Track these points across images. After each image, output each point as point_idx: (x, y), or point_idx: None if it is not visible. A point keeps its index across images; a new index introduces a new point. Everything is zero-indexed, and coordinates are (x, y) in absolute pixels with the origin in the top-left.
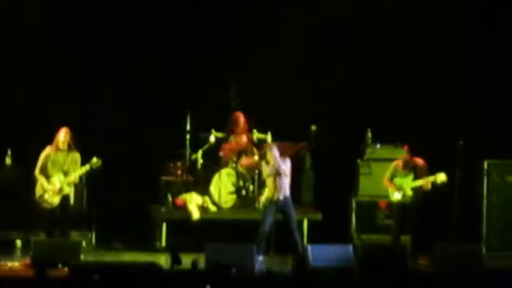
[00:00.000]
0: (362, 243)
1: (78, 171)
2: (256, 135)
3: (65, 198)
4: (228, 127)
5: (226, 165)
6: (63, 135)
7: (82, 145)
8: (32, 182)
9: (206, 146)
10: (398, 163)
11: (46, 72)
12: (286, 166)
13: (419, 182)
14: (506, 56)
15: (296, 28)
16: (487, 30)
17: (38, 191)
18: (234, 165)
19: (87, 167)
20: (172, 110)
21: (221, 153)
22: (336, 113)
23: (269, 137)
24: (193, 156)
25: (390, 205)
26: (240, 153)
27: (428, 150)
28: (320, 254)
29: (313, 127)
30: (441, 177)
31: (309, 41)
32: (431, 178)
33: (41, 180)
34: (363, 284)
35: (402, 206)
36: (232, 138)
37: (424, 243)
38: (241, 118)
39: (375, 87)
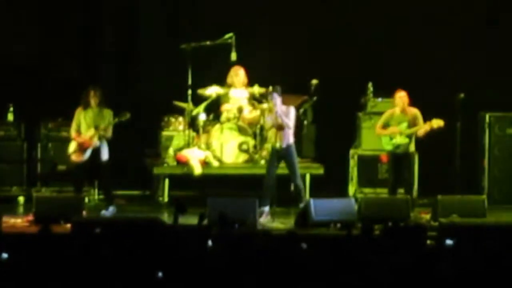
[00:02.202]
0: (364, 197)
1: (106, 125)
2: (257, 89)
3: (95, 151)
4: (227, 81)
5: (227, 119)
6: (91, 94)
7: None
8: (34, 138)
9: (208, 101)
10: (392, 111)
11: (48, 26)
12: (289, 115)
13: (416, 128)
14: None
15: None
16: None
17: (70, 148)
18: (235, 119)
19: (115, 120)
20: (173, 65)
21: (222, 108)
22: (338, 67)
23: (270, 89)
24: (195, 111)
25: (388, 156)
26: (241, 107)
27: (429, 103)
28: (322, 208)
29: (314, 81)
30: (438, 121)
31: None
32: (427, 124)
33: (73, 136)
34: (365, 237)
35: (395, 155)
36: (233, 94)
37: (426, 196)
38: (240, 71)
39: (376, 40)
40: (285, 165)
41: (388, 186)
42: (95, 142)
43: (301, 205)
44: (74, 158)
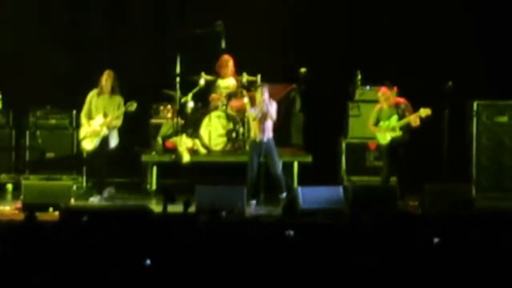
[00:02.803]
0: (352, 185)
1: (114, 113)
2: (245, 77)
3: (103, 140)
4: (216, 70)
5: (215, 107)
6: (105, 78)
7: (71, 86)
8: (23, 126)
9: (196, 89)
10: (381, 106)
11: (35, 13)
12: (272, 109)
13: (407, 119)
14: None
15: None
16: None
17: (80, 133)
18: (224, 107)
19: (122, 109)
20: (162, 53)
21: (211, 96)
22: (326, 55)
23: (258, 80)
24: (183, 99)
25: (380, 146)
26: (230, 95)
27: (416, 91)
28: (310, 196)
29: (303, 69)
30: (426, 110)
31: None
32: (417, 114)
33: (83, 122)
34: (353, 225)
35: (390, 147)
36: (221, 83)
37: (414, 184)
38: (230, 60)
39: (364, 29)
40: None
41: (382, 176)
42: (104, 130)
43: (282, 195)
44: (84, 145)
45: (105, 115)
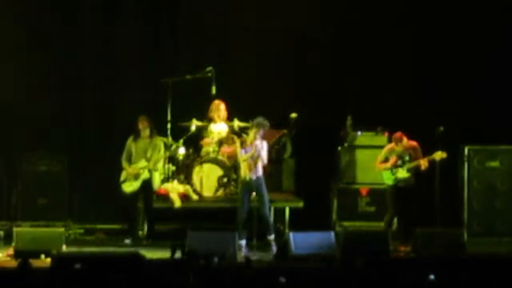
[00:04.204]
0: (343, 230)
1: (156, 157)
2: (237, 123)
3: (145, 183)
4: (208, 115)
5: (207, 153)
6: (141, 123)
7: (62, 131)
8: (14, 172)
9: (187, 135)
10: (392, 146)
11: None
12: (263, 151)
13: (417, 162)
14: (482, 40)
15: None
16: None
17: (122, 176)
18: (215, 153)
19: (162, 152)
20: (153, 98)
21: (202, 142)
22: (316, 100)
23: (250, 125)
24: (174, 145)
25: (372, 192)
26: (221, 141)
27: (408, 136)
28: (302, 241)
29: (293, 115)
30: (440, 154)
31: (288, 28)
32: (430, 157)
33: (124, 166)
34: (345, 270)
35: (396, 189)
36: (213, 128)
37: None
38: (221, 106)
39: (355, 73)
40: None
41: (386, 217)
42: (146, 174)
43: (270, 237)
44: (125, 188)
45: (147, 159)
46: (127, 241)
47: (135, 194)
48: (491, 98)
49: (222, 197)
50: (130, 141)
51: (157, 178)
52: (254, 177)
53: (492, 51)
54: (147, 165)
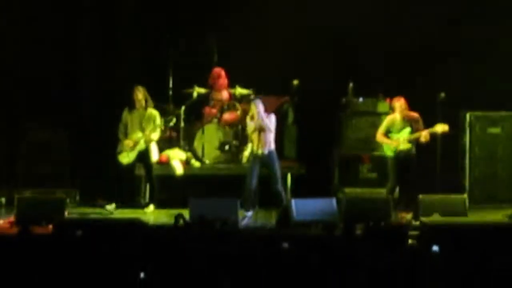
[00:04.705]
0: (345, 197)
1: (150, 127)
2: (238, 90)
3: (141, 154)
4: (209, 83)
5: (209, 121)
6: (136, 94)
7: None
8: (17, 140)
9: (189, 102)
10: (393, 117)
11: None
12: (270, 121)
13: (419, 134)
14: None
15: None
16: None
17: (118, 148)
18: (216, 120)
19: (158, 122)
20: (155, 66)
21: (204, 109)
22: (318, 67)
23: (251, 92)
24: (176, 112)
25: (373, 158)
26: (223, 108)
27: (409, 102)
28: (303, 208)
29: (296, 82)
30: (442, 126)
31: None
32: (431, 129)
33: (120, 137)
34: (347, 237)
35: (397, 159)
36: (214, 95)
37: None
38: (222, 73)
39: (356, 40)
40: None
41: (387, 188)
42: (141, 145)
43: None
44: (121, 159)
45: (143, 130)
46: (109, 207)
47: (131, 165)
48: (494, 63)
49: (224, 164)
50: (125, 113)
51: (154, 150)
52: (266, 152)
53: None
54: (141, 135)
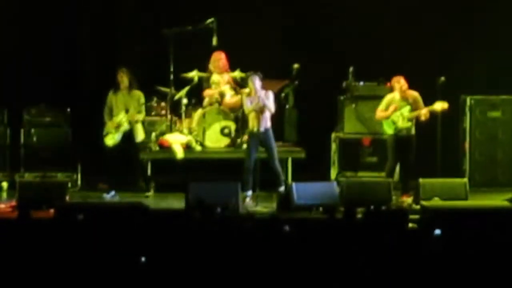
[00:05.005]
0: (345, 181)
1: (136, 108)
2: (239, 74)
3: (126, 135)
4: (209, 67)
5: (209, 104)
6: (120, 75)
7: (65, 84)
8: (17, 124)
9: (189, 86)
10: (392, 96)
11: (27, 14)
12: (268, 98)
13: (418, 112)
14: None
15: None
16: None
17: (104, 131)
18: (217, 104)
19: (143, 102)
20: (155, 50)
21: (204, 93)
22: (319, 51)
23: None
24: (177, 96)
25: (374, 142)
26: (223, 92)
27: (409, 86)
28: (304, 192)
29: (296, 65)
30: (442, 104)
31: None
32: (430, 107)
33: (106, 119)
34: (347, 221)
35: (398, 139)
36: (215, 79)
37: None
38: (222, 57)
39: (356, 24)
40: (263, 149)
41: (387, 168)
42: (125, 126)
43: (280, 188)
44: (107, 141)
45: (127, 111)
46: (107, 195)
47: (117, 147)
48: (494, 48)
49: (224, 148)
50: (110, 95)
51: (139, 130)
52: (262, 129)
53: None
54: (125, 116)
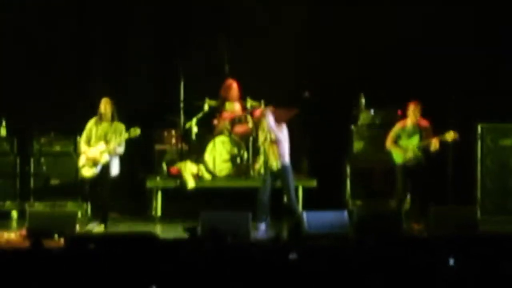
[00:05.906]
0: (357, 209)
1: (116, 140)
2: (249, 102)
3: (104, 168)
4: (221, 95)
5: (220, 133)
6: (104, 106)
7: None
8: (27, 153)
9: (200, 114)
10: (403, 123)
11: (35, 44)
12: (282, 132)
13: (428, 141)
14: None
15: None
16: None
17: (80, 161)
18: (228, 133)
19: (125, 136)
20: (166, 79)
21: (215, 121)
22: (329, 79)
23: (262, 105)
24: (187, 124)
25: (385, 171)
26: (234, 120)
27: (420, 114)
28: (315, 220)
29: (306, 93)
30: (451, 134)
31: (302, 6)
32: (440, 137)
33: (83, 149)
34: (358, 249)
35: (407, 168)
36: (227, 106)
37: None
38: (234, 85)
39: (367, 53)
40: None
41: (396, 197)
42: (105, 157)
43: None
44: (84, 172)
45: (107, 142)
46: (91, 225)
47: (95, 179)
48: (505, 75)
49: (235, 177)
50: (91, 123)
51: (116, 164)
52: (279, 165)
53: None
54: (106, 148)
